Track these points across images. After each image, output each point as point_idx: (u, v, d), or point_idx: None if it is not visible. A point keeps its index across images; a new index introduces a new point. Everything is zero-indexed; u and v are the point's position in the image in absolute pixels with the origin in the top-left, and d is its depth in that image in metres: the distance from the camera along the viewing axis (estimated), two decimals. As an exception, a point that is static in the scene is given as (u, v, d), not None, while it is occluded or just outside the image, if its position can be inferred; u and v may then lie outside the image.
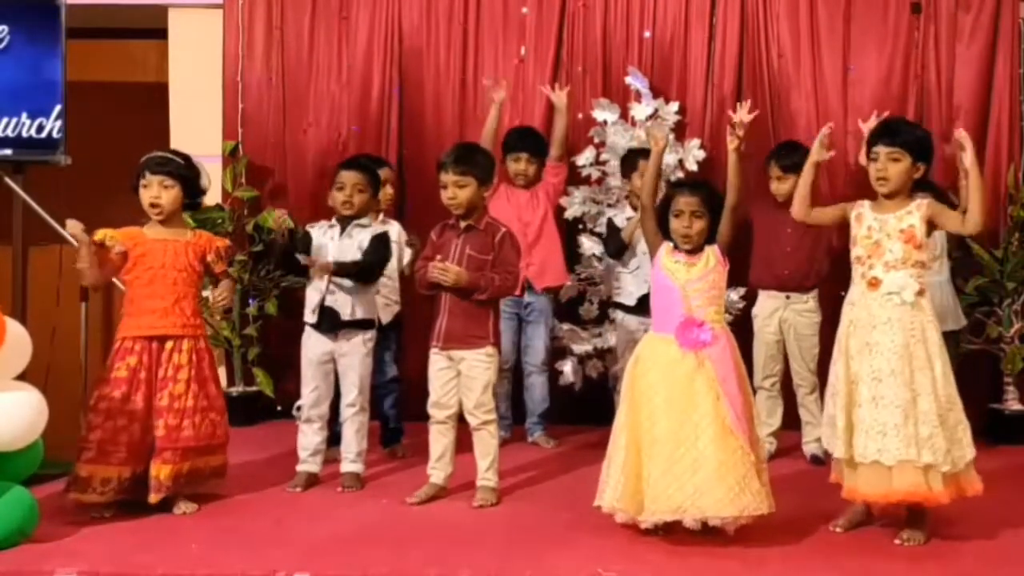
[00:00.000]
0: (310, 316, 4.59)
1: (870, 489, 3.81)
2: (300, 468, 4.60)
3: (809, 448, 5.05)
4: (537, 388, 5.52)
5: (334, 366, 4.60)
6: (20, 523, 3.82)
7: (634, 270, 5.27)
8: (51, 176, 5.89)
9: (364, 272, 4.56)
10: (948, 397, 3.83)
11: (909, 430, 3.74)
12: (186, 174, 4.31)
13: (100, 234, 4.21)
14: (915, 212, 3.89)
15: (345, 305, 4.54)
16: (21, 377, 3.96)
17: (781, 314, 5.10)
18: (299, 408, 4.64)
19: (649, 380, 3.89)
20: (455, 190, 4.30)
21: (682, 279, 3.91)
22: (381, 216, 5.16)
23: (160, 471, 4.16)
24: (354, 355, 4.57)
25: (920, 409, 3.77)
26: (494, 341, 4.34)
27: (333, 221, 4.67)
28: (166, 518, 4.16)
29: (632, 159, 5.36)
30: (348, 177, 4.63)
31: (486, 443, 4.36)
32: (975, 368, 5.55)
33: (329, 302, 4.54)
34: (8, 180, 5.74)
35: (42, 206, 5.71)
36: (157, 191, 4.24)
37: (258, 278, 6.06)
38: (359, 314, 4.57)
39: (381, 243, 4.63)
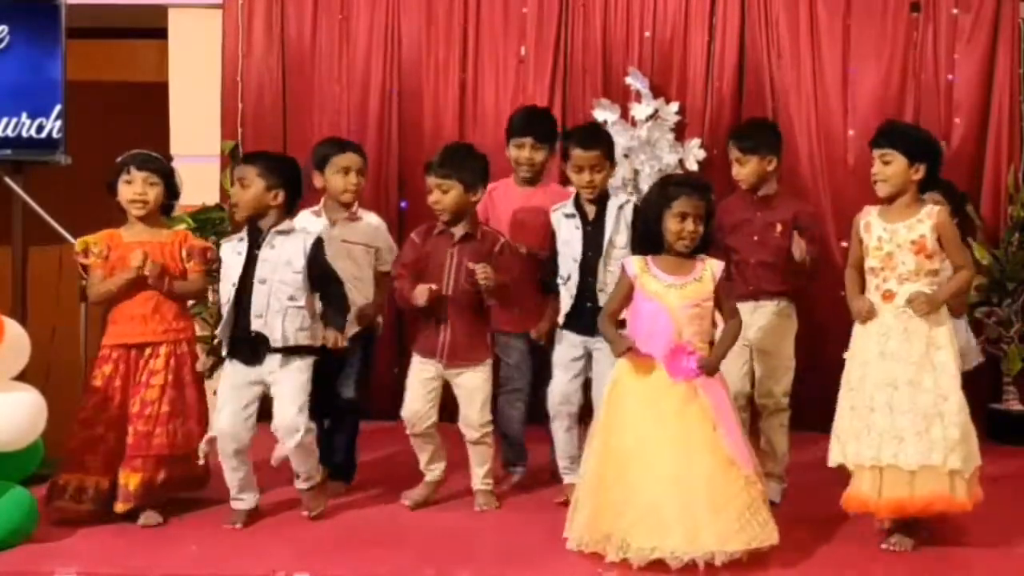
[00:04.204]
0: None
1: (891, 494, 3.72)
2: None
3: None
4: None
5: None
6: (20, 523, 3.82)
7: (566, 281, 4.37)
8: (51, 176, 5.88)
9: (343, 303, 4.20)
10: (959, 404, 3.79)
11: (935, 434, 3.70)
12: (169, 173, 4.25)
13: (81, 243, 4.16)
14: (926, 221, 3.83)
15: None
16: (21, 377, 3.95)
17: (747, 319, 4.19)
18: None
19: (633, 404, 3.69)
20: (439, 194, 4.13)
21: (674, 304, 3.72)
22: (356, 206, 4.58)
23: (129, 479, 4.01)
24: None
25: (948, 412, 3.72)
26: (491, 355, 4.31)
27: (242, 234, 4.15)
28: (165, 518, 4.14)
29: (563, 142, 4.59)
30: (235, 172, 4.22)
31: (483, 453, 4.30)
32: (975, 368, 5.54)
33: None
34: (8, 180, 5.73)
35: (42, 206, 5.70)
36: (142, 187, 4.16)
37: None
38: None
39: (321, 263, 4.10)
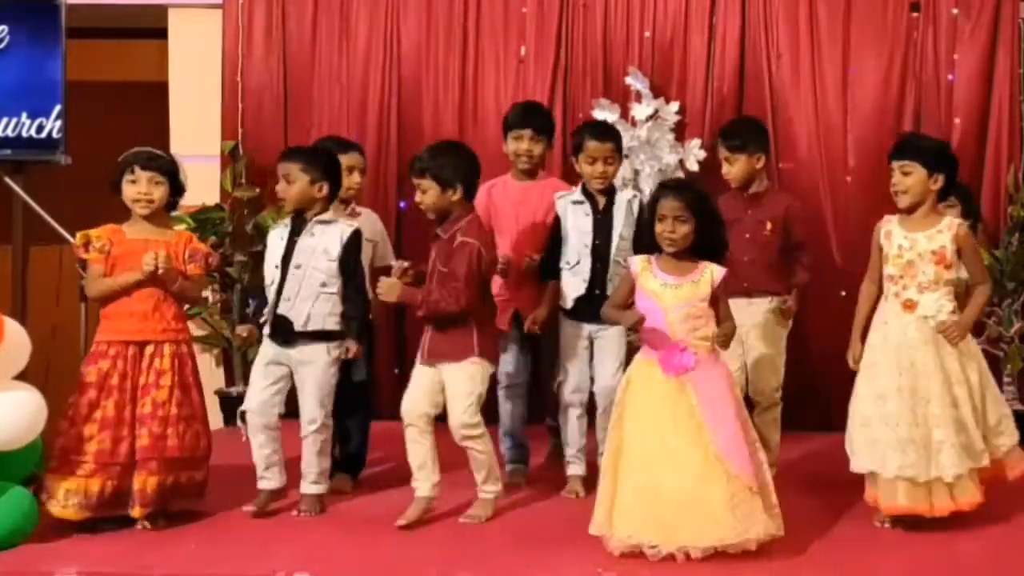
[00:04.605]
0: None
1: (936, 504, 3.85)
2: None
3: None
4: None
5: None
6: (20, 523, 3.82)
7: (573, 266, 4.49)
8: (51, 176, 5.89)
9: (364, 312, 4.31)
10: (983, 398, 3.95)
11: (961, 440, 3.84)
12: (173, 171, 4.19)
13: (82, 236, 4.10)
14: (946, 232, 3.94)
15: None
16: (21, 377, 3.95)
17: (740, 316, 4.17)
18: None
19: (636, 404, 3.76)
20: (419, 194, 4.12)
21: (669, 302, 3.75)
22: (353, 205, 4.69)
23: (146, 483, 3.92)
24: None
25: (962, 420, 3.87)
26: (480, 352, 4.09)
27: (287, 220, 4.33)
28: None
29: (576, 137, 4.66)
30: (279, 168, 4.27)
31: (476, 459, 4.13)
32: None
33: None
34: (8, 180, 5.75)
35: (42, 206, 5.71)
36: (147, 187, 4.10)
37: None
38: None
39: (354, 259, 4.23)
